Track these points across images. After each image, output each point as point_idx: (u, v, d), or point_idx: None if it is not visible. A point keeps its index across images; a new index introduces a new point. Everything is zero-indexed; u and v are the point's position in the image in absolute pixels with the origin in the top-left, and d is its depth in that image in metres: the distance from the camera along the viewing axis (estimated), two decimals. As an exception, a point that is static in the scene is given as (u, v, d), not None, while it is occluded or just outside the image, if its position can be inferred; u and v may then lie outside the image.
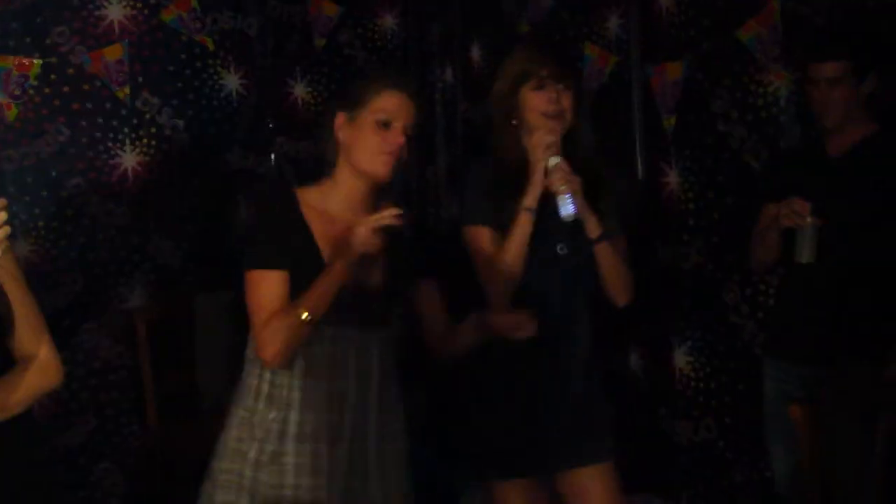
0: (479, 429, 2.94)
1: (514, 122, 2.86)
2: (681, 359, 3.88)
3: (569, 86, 2.83)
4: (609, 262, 2.85)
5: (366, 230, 2.42)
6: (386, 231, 2.43)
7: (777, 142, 3.44)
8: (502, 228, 2.85)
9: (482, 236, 2.89)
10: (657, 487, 3.93)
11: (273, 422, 2.55)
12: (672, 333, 3.89)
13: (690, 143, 3.78)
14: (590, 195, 2.81)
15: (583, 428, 2.88)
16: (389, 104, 2.57)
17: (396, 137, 2.55)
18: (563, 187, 2.74)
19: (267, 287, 2.49)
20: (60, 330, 4.14)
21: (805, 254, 3.04)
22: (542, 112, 2.82)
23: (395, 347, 2.68)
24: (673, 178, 3.83)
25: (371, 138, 2.55)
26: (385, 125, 2.55)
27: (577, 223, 2.81)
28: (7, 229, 2.02)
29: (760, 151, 3.48)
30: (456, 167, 4.82)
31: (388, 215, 2.42)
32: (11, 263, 2.27)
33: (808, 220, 3.01)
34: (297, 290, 2.48)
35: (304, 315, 2.44)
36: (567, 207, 2.74)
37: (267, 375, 2.56)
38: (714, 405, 3.81)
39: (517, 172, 2.85)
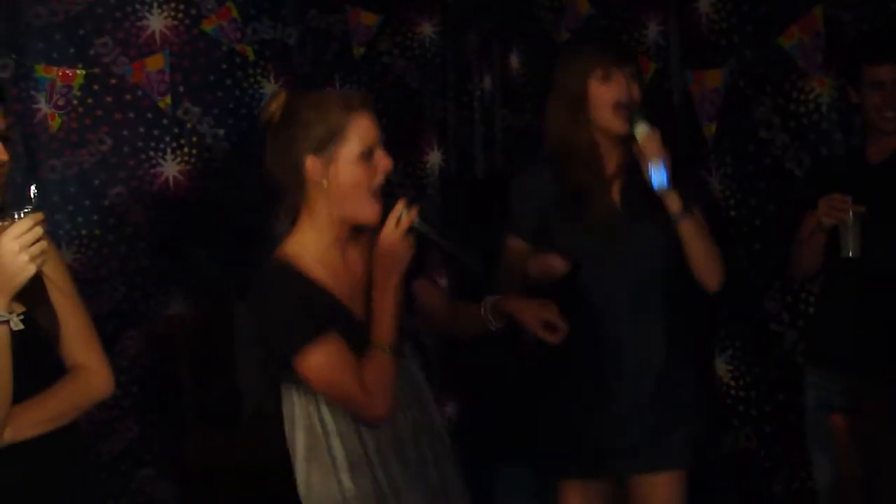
0: (548, 429, 2.94)
1: (584, 118, 2.80)
2: (721, 367, 3.86)
3: (634, 73, 2.80)
4: (695, 240, 2.77)
5: (397, 238, 2.24)
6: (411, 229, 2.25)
7: (819, 149, 3.41)
8: (547, 243, 2.83)
9: (516, 248, 2.91)
10: (697, 498, 3.90)
11: (366, 489, 2.32)
12: (712, 342, 3.87)
13: (731, 150, 3.76)
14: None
15: (652, 434, 2.86)
16: (366, 129, 2.26)
17: (384, 164, 2.28)
18: (654, 157, 2.71)
19: (333, 354, 2.23)
20: (102, 337, 4.15)
21: (850, 248, 3.00)
22: (613, 104, 2.77)
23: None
24: (714, 186, 3.81)
25: (357, 176, 2.25)
26: (369, 156, 2.26)
27: (642, 215, 2.79)
28: (44, 244, 2.04)
29: (802, 159, 3.46)
30: (495, 175, 4.81)
31: (407, 214, 2.24)
32: (60, 275, 2.30)
33: (850, 213, 2.98)
34: None
35: (387, 348, 2.25)
36: (661, 176, 2.70)
37: (336, 444, 2.31)
38: (754, 414, 3.78)
39: (586, 181, 2.81)
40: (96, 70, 4.16)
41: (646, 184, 2.76)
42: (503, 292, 2.67)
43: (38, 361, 2.26)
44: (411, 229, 2.25)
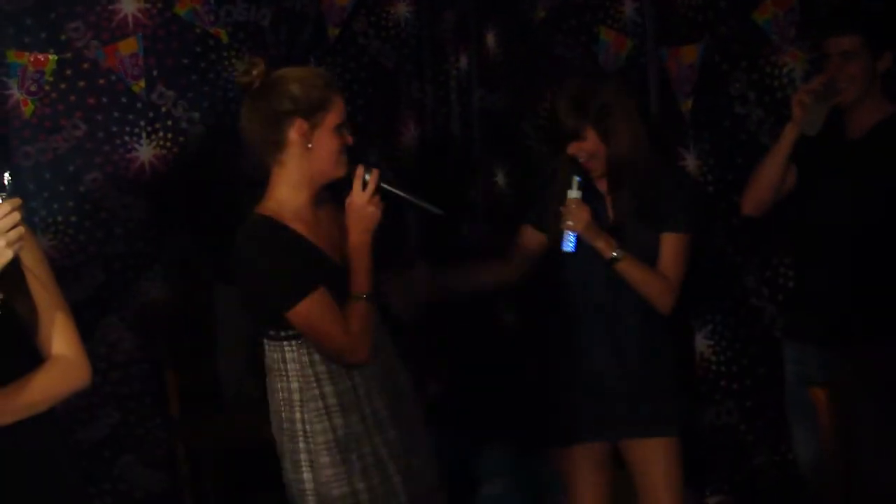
0: (543, 398, 3.19)
1: None
2: (701, 343, 3.87)
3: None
4: (631, 279, 3.03)
5: (366, 199, 2.57)
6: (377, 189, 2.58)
7: (794, 123, 3.42)
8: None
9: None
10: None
11: (357, 424, 2.61)
12: (692, 317, 3.88)
13: (708, 126, 3.77)
14: (640, 200, 3.03)
15: (642, 400, 3.09)
16: (342, 106, 2.61)
17: (349, 138, 2.62)
18: (568, 223, 2.98)
19: (322, 307, 2.52)
20: (81, 324, 4.12)
21: (811, 123, 3.07)
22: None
23: None
24: (691, 162, 3.82)
25: (334, 142, 2.58)
26: (341, 129, 2.60)
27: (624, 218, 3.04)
28: (21, 230, 2.03)
29: (778, 133, 3.46)
30: (472, 154, 4.81)
31: (371, 177, 2.57)
32: (37, 263, 2.28)
33: (819, 86, 3.06)
34: None
35: (366, 298, 2.55)
36: (567, 244, 2.99)
37: (329, 389, 2.60)
38: (735, 389, 3.80)
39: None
40: (68, 55, 4.13)
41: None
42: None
43: (15, 350, 2.25)
44: (378, 189, 2.58)
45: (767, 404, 3.65)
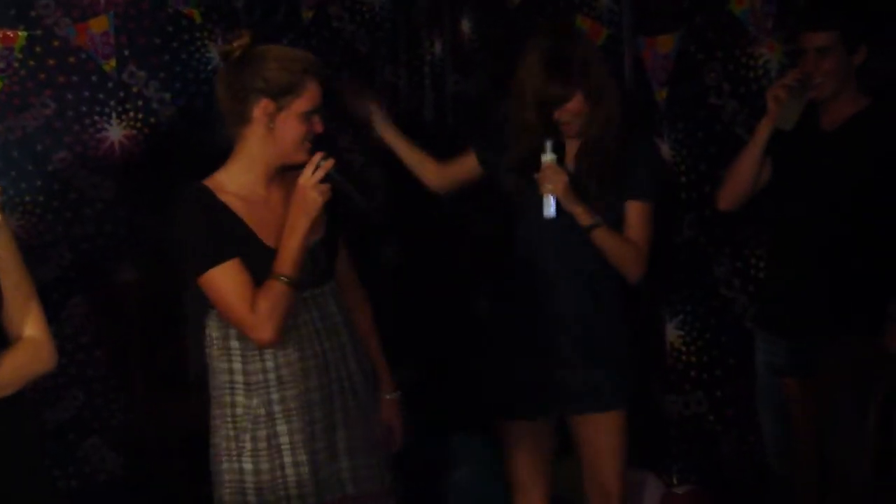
0: (487, 373, 3.18)
1: None
2: (672, 333, 3.88)
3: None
4: (607, 246, 3.01)
5: (313, 183, 2.47)
6: (326, 178, 2.51)
7: (769, 115, 3.43)
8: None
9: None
10: (648, 461, 3.94)
11: (258, 408, 2.57)
12: (663, 307, 3.89)
13: (682, 115, 3.77)
14: (604, 171, 2.99)
15: (588, 377, 3.08)
16: (316, 94, 2.57)
17: (319, 127, 2.59)
18: (548, 187, 2.93)
19: (231, 278, 2.49)
20: (48, 305, 4.07)
21: (787, 118, 3.09)
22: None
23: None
24: (665, 152, 3.82)
25: (299, 129, 2.55)
26: (310, 116, 2.56)
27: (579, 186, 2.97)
28: None
29: (752, 124, 3.47)
30: (445, 140, 4.79)
31: (324, 165, 2.48)
32: (5, 245, 2.25)
33: (796, 81, 3.08)
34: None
35: (285, 280, 2.46)
36: (548, 209, 2.94)
37: (238, 366, 2.58)
38: (705, 379, 3.82)
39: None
40: (38, 32, 4.07)
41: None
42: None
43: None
44: (326, 177, 2.49)
45: (737, 394, 3.67)
